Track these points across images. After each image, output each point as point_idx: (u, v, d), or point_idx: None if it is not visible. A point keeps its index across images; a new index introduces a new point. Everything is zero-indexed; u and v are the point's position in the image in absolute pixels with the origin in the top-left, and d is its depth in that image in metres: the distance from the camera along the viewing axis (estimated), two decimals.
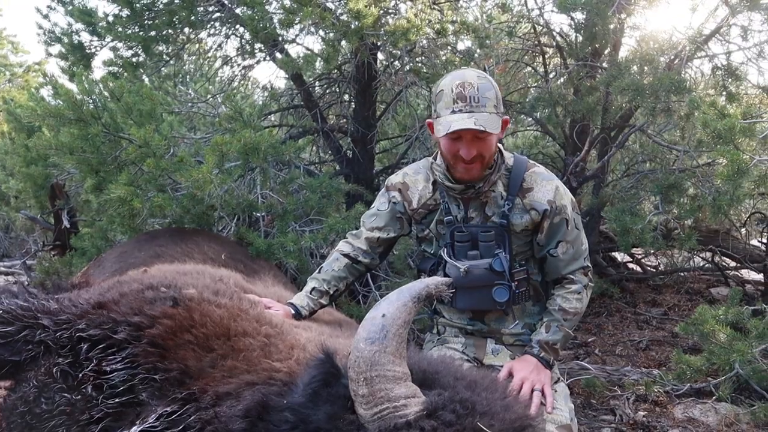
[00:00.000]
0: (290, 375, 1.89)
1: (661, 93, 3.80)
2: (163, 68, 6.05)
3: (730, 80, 4.39)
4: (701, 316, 3.45)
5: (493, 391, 1.77)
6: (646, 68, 4.14)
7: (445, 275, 2.65)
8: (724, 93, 4.25)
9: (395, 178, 2.82)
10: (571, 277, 2.68)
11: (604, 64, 4.95)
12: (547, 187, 2.62)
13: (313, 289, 2.67)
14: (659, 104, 3.88)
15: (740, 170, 2.87)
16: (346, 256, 2.77)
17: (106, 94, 3.85)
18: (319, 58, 4.74)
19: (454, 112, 2.40)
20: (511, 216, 2.63)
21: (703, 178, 4.54)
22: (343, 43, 4.52)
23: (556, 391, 2.60)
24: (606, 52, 5.14)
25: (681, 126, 4.46)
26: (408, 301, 1.66)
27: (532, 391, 2.43)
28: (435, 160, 2.70)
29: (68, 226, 5.40)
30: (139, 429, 1.83)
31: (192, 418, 1.80)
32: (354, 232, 2.87)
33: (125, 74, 5.19)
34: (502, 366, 2.64)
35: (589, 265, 2.76)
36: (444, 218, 2.69)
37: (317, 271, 2.79)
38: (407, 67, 4.89)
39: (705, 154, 4.73)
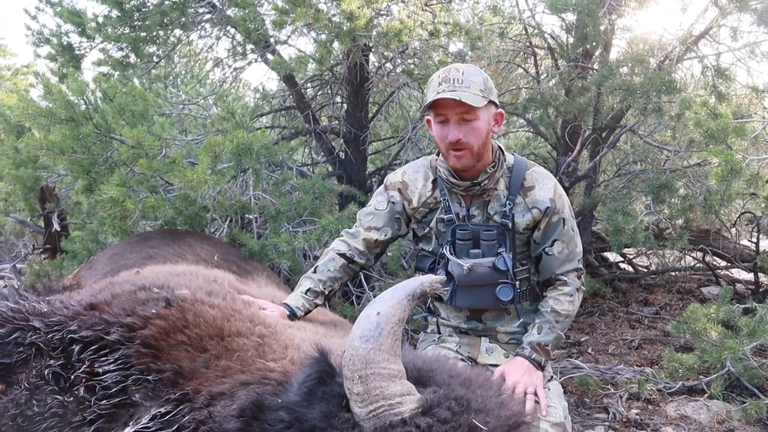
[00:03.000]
0: (285, 374, 1.87)
1: (652, 93, 3.82)
2: (153, 70, 6.03)
3: (720, 81, 4.43)
4: (693, 314, 3.47)
5: (488, 388, 1.76)
6: (636, 69, 4.16)
7: (447, 273, 2.64)
8: (714, 93, 4.28)
9: (394, 177, 2.80)
10: (564, 278, 2.68)
11: (595, 66, 4.98)
12: (548, 185, 2.65)
13: (309, 290, 2.64)
14: (650, 104, 3.91)
15: (734, 170, 2.89)
16: (342, 255, 2.74)
17: (98, 94, 3.83)
18: (311, 60, 4.74)
19: (438, 93, 2.41)
20: (516, 216, 2.63)
21: (693, 178, 4.58)
22: (336, 44, 4.53)
23: (549, 389, 2.60)
24: (597, 53, 5.17)
25: (672, 126, 4.49)
26: (403, 299, 1.66)
27: (525, 394, 2.42)
28: (439, 157, 2.70)
29: (59, 229, 5.36)
30: (133, 430, 1.82)
31: (186, 418, 1.79)
32: (350, 230, 2.84)
33: (115, 75, 5.16)
34: (496, 365, 2.65)
35: (582, 268, 2.76)
36: (444, 216, 2.68)
37: (312, 270, 2.76)
38: (399, 69, 4.89)
39: (695, 154, 4.77)
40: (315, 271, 2.74)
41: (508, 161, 2.68)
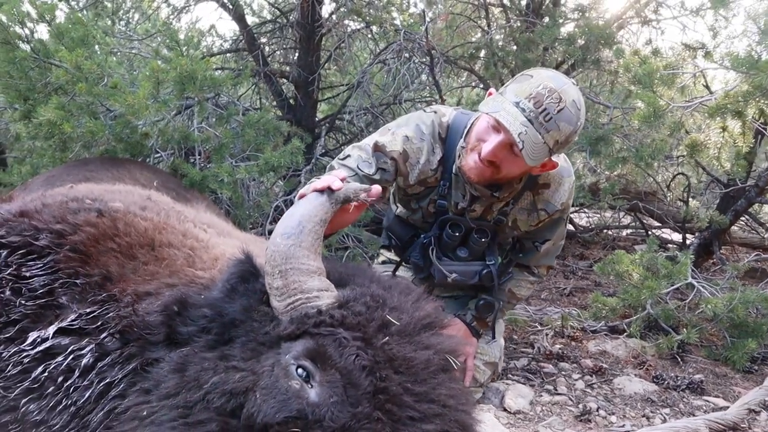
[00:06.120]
0: (212, 281, 1.92)
1: (591, 44, 3.93)
2: (100, 5, 5.84)
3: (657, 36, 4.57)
4: (617, 257, 3.65)
5: (407, 294, 1.85)
6: (579, 21, 4.26)
7: (429, 275, 2.54)
8: (649, 48, 4.42)
9: (393, 145, 2.39)
10: (536, 270, 2.73)
11: (545, 19, 5.06)
12: (564, 187, 2.42)
13: None
14: (589, 55, 4.02)
15: (656, 114, 3.02)
16: None
17: (34, 16, 3.69)
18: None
19: (516, 105, 2.03)
20: (517, 213, 2.45)
21: (630, 134, 4.73)
22: None
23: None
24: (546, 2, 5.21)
25: (611, 81, 4.63)
26: (325, 201, 1.72)
27: None
28: (463, 140, 2.35)
29: None
30: (57, 327, 1.85)
31: (110, 314, 1.83)
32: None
33: (58, 5, 4.97)
34: None
35: (554, 264, 2.80)
36: (437, 200, 2.47)
37: None
38: (350, 13, 4.87)
39: (633, 114, 4.93)
40: None
41: None
